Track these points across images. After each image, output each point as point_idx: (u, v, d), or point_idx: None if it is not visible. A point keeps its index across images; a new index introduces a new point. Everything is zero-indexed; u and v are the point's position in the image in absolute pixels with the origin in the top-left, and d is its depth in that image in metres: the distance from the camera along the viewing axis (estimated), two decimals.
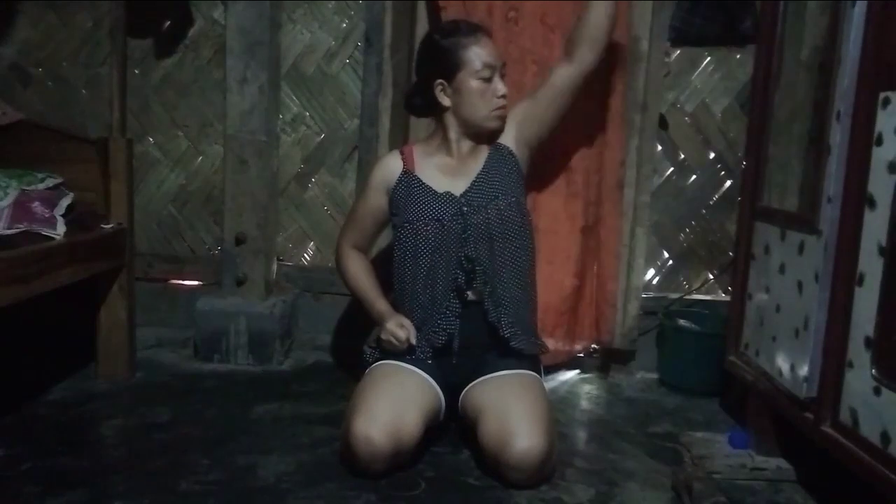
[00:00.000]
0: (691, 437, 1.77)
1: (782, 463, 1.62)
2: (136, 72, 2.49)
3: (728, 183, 2.36)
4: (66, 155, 2.03)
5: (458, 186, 1.74)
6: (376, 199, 1.83)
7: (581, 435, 1.89)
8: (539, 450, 1.47)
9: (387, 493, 1.47)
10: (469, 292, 1.70)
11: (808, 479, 1.59)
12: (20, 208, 1.79)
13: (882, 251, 1.22)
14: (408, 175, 1.77)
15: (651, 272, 2.41)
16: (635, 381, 2.29)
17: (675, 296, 2.38)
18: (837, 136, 1.35)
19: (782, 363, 1.54)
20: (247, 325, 2.27)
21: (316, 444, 1.71)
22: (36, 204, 1.82)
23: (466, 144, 1.79)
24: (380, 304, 1.79)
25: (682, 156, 2.36)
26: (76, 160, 2.03)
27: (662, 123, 2.29)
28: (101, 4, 2.39)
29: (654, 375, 2.31)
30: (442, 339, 1.69)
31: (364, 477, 1.52)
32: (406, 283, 1.75)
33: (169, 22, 2.48)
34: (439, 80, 1.73)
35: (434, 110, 1.80)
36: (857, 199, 1.30)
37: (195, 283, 2.55)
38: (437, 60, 1.74)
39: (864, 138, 1.28)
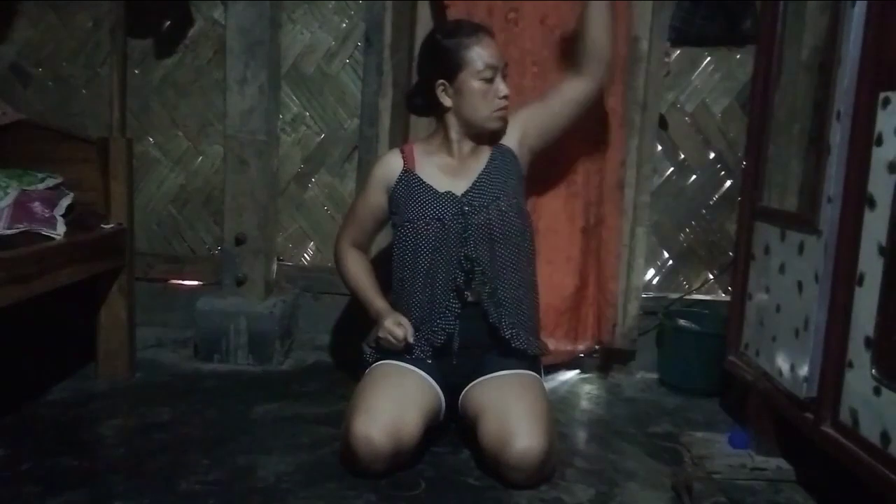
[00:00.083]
0: (691, 437, 1.77)
1: (782, 463, 1.62)
2: (136, 72, 2.49)
3: (728, 183, 2.36)
4: (66, 155, 2.03)
5: (459, 186, 1.74)
6: (376, 197, 1.83)
7: (581, 435, 1.88)
8: (539, 450, 1.47)
9: (387, 493, 1.47)
10: (468, 293, 1.70)
11: (808, 479, 1.59)
12: (20, 208, 1.79)
13: (882, 251, 1.22)
14: (408, 174, 1.77)
15: (651, 272, 2.41)
16: (635, 381, 2.29)
17: (675, 296, 2.38)
18: (837, 135, 1.35)
19: (782, 363, 1.54)
20: (247, 325, 2.27)
21: (316, 444, 1.71)
22: (36, 204, 1.82)
23: (467, 145, 1.79)
24: (378, 302, 1.79)
25: (682, 156, 2.36)
26: (76, 160, 2.03)
27: (662, 123, 2.29)
28: (101, 4, 2.39)
29: (654, 375, 2.31)
30: (441, 339, 1.69)
31: (364, 477, 1.52)
32: (405, 283, 1.75)
33: (169, 22, 2.47)
34: (441, 81, 1.73)
35: (435, 110, 1.80)
36: (857, 199, 1.30)
37: (195, 283, 2.55)
38: (438, 60, 1.74)
39: (864, 138, 1.29)
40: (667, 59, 2.24)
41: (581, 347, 2.24)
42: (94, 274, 1.95)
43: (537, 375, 1.73)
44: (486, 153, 1.79)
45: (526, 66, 2.10)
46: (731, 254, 2.24)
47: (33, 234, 1.77)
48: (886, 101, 1.23)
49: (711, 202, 2.38)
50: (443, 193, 1.73)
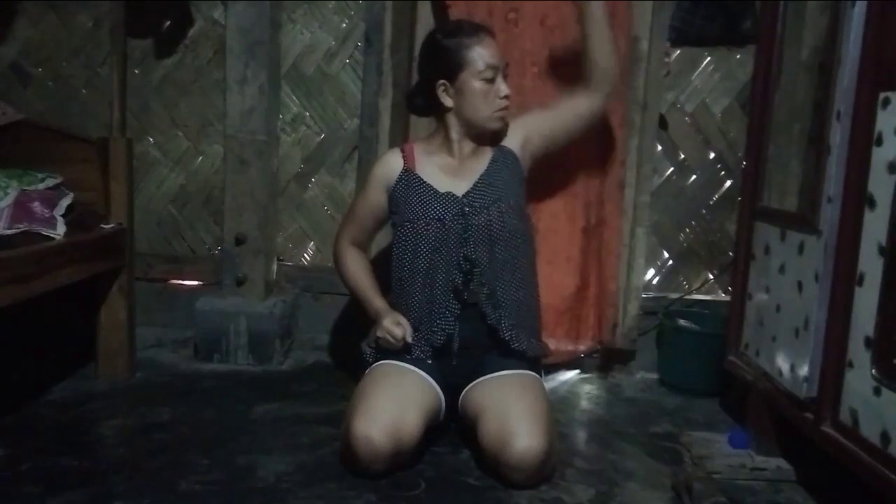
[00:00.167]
0: (691, 437, 1.77)
1: (782, 463, 1.62)
2: (136, 72, 2.49)
3: (728, 183, 2.36)
4: (66, 155, 2.03)
5: (459, 187, 1.74)
6: (376, 197, 1.82)
7: (581, 435, 1.88)
8: (539, 450, 1.47)
9: (387, 493, 1.47)
10: (466, 294, 1.70)
11: (808, 479, 1.58)
12: (20, 208, 1.79)
13: (882, 251, 1.22)
14: (408, 173, 1.77)
15: (651, 272, 2.41)
16: (635, 381, 2.29)
17: (675, 296, 2.38)
18: (837, 136, 1.35)
19: (782, 363, 1.54)
20: (247, 325, 2.27)
21: (316, 444, 1.71)
22: (36, 204, 1.82)
23: (468, 145, 1.79)
24: (377, 301, 1.79)
25: (682, 156, 2.36)
26: (76, 160, 2.03)
27: (662, 123, 2.29)
28: (101, 4, 2.39)
29: (654, 375, 2.31)
30: (440, 340, 1.69)
31: (364, 477, 1.52)
32: (404, 282, 1.75)
33: (169, 22, 2.47)
34: (441, 81, 1.73)
35: (436, 110, 1.79)
36: (857, 199, 1.30)
37: (195, 283, 2.55)
38: (439, 60, 1.73)
39: (864, 138, 1.28)
40: (667, 59, 2.24)
41: (581, 347, 2.24)
42: (94, 274, 1.95)
43: (537, 375, 1.73)
44: (487, 154, 1.79)
45: (526, 66, 2.10)
46: (731, 254, 2.24)
47: (33, 234, 1.77)
48: (886, 101, 1.23)
49: (711, 202, 2.38)
50: (443, 194, 1.73)
